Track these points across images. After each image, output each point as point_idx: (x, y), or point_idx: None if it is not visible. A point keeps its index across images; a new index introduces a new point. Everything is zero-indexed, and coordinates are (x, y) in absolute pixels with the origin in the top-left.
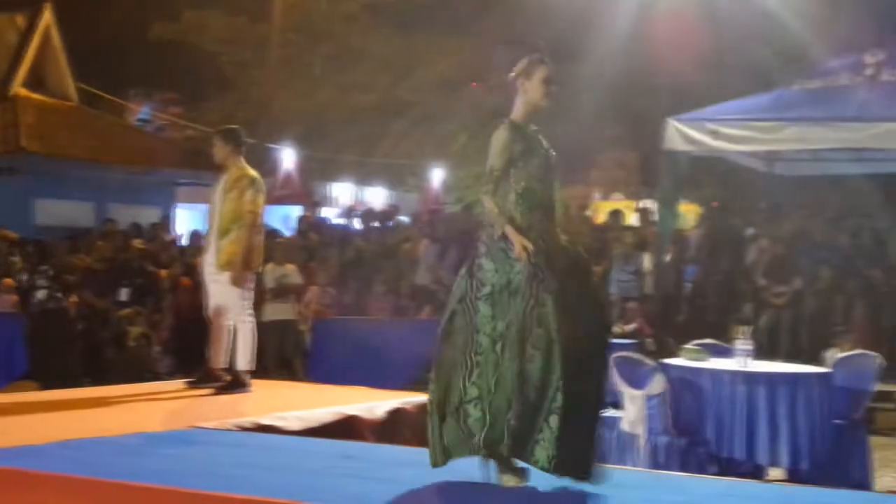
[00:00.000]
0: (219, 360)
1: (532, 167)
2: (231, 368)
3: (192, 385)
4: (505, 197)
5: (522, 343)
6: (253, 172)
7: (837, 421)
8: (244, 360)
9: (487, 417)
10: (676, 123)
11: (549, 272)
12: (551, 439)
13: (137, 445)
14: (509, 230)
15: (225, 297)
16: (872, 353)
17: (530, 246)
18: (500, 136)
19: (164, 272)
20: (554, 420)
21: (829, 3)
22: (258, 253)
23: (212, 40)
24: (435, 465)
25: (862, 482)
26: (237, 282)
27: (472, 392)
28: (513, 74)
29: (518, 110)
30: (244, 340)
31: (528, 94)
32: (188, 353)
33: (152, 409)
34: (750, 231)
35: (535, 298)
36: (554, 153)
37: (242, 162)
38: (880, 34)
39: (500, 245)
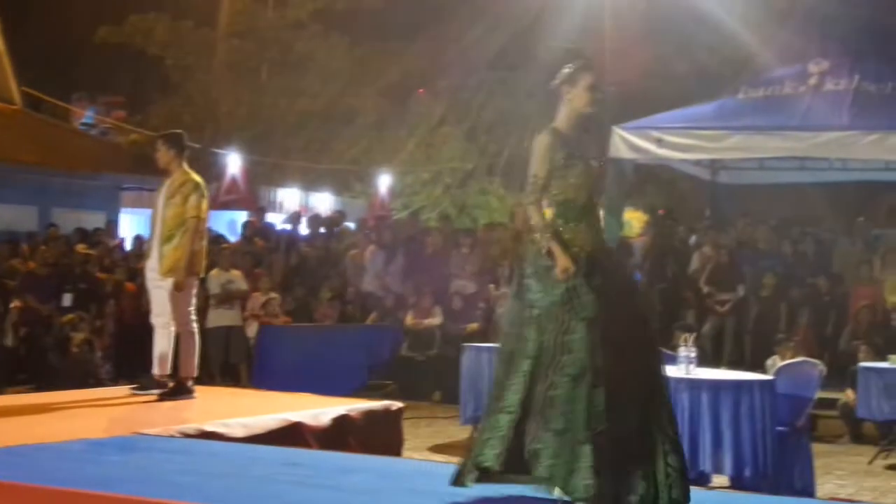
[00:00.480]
0: (162, 367)
1: (573, 176)
2: (175, 374)
3: (136, 391)
4: (546, 209)
5: (548, 369)
6: (197, 177)
7: (780, 428)
8: (188, 366)
9: (501, 436)
10: (621, 131)
11: (586, 296)
12: (587, 468)
13: (79, 452)
14: (554, 247)
15: (168, 302)
16: (815, 360)
17: (572, 268)
18: (541, 142)
19: (107, 277)
20: (586, 450)
21: (775, 12)
22: (201, 259)
23: (157, 44)
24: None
25: (804, 489)
26: (181, 288)
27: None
28: (557, 81)
29: (561, 118)
30: (188, 347)
31: (572, 101)
32: (131, 358)
33: (95, 415)
34: (694, 239)
35: (565, 325)
36: (598, 162)
37: (186, 167)
38: (824, 43)
39: (544, 263)
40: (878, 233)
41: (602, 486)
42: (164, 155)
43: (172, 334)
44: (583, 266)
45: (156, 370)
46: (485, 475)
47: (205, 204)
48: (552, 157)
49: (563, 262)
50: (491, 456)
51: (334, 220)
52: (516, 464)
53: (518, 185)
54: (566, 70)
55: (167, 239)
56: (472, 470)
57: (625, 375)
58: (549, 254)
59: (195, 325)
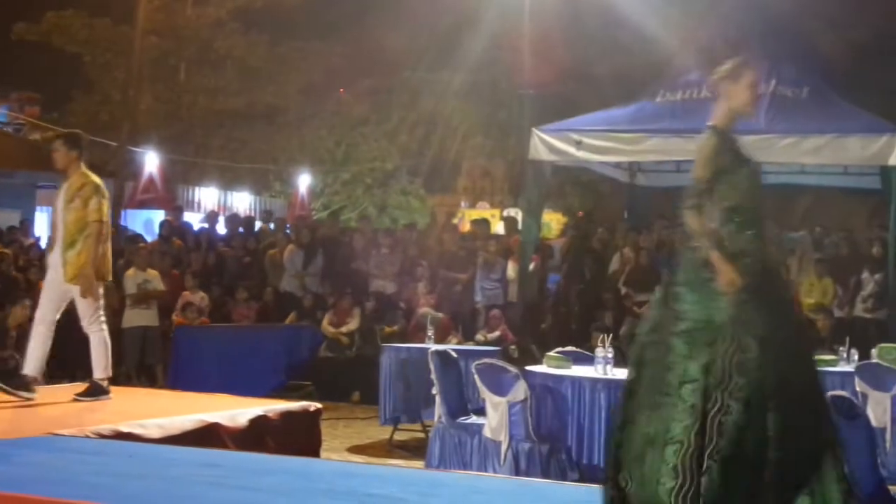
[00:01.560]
0: (32, 367)
1: (740, 180)
2: (89, 376)
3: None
4: (709, 215)
5: (718, 390)
6: (96, 179)
7: None
8: (100, 367)
9: (672, 467)
10: (541, 133)
11: (758, 310)
12: (752, 498)
13: None
14: (717, 258)
15: (58, 304)
16: None
17: (739, 280)
18: (706, 145)
19: (21, 276)
20: (753, 480)
21: (693, 16)
22: (107, 262)
23: (75, 41)
24: None
25: None
26: (87, 294)
27: (653, 431)
28: (716, 77)
29: (721, 116)
30: (99, 349)
31: (733, 98)
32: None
33: (7, 415)
34: (613, 240)
35: (737, 342)
36: (758, 163)
37: (84, 168)
38: (742, 48)
39: (704, 274)
40: (794, 235)
41: None
42: (64, 156)
43: (48, 337)
44: (753, 279)
45: (24, 369)
46: None
47: (106, 206)
48: (718, 159)
49: (728, 273)
50: (664, 493)
51: (259, 219)
52: (695, 497)
53: (439, 187)
54: (728, 64)
55: (70, 245)
56: None
57: (796, 397)
58: (712, 264)
59: (105, 327)
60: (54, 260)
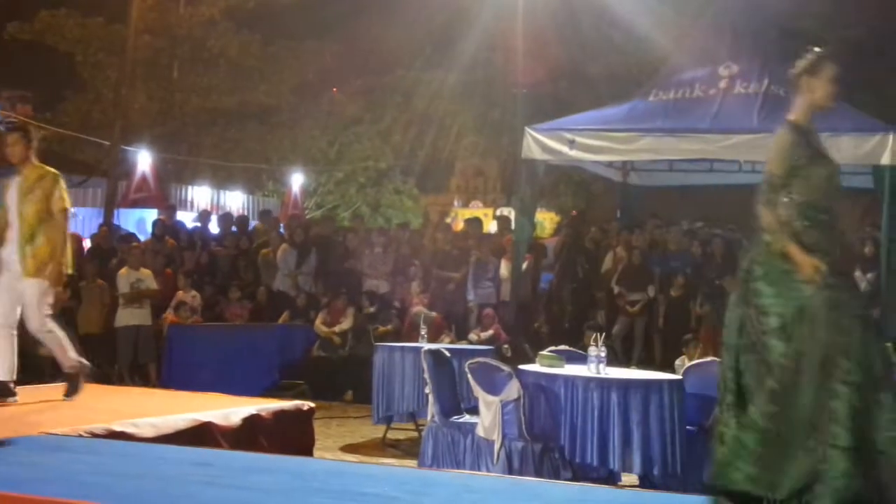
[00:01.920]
0: (4, 371)
1: (815, 176)
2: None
3: None
4: (782, 209)
5: (826, 378)
6: (53, 169)
7: (688, 427)
8: (65, 359)
9: (751, 452)
10: (534, 132)
11: (848, 293)
12: (882, 484)
13: None
14: (793, 249)
15: (23, 303)
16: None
17: (822, 266)
18: (781, 139)
19: None
20: (879, 464)
21: (686, 16)
22: (68, 254)
23: (67, 41)
24: None
25: None
26: (56, 283)
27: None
28: (795, 70)
29: (799, 111)
30: (55, 346)
31: (813, 93)
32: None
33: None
34: (605, 240)
35: (837, 326)
36: (837, 163)
37: (37, 161)
38: (735, 47)
39: (782, 266)
40: None
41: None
42: (23, 149)
43: (13, 337)
44: (833, 272)
45: (3, 376)
46: (736, 498)
47: (67, 195)
48: (793, 154)
49: (808, 262)
50: (740, 479)
51: (263, 220)
52: (775, 483)
53: (433, 186)
54: (807, 58)
55: (29, 238)
56: (720, 494)
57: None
58: (787, 256)
59: (54, 324)
60: (9, 256)
